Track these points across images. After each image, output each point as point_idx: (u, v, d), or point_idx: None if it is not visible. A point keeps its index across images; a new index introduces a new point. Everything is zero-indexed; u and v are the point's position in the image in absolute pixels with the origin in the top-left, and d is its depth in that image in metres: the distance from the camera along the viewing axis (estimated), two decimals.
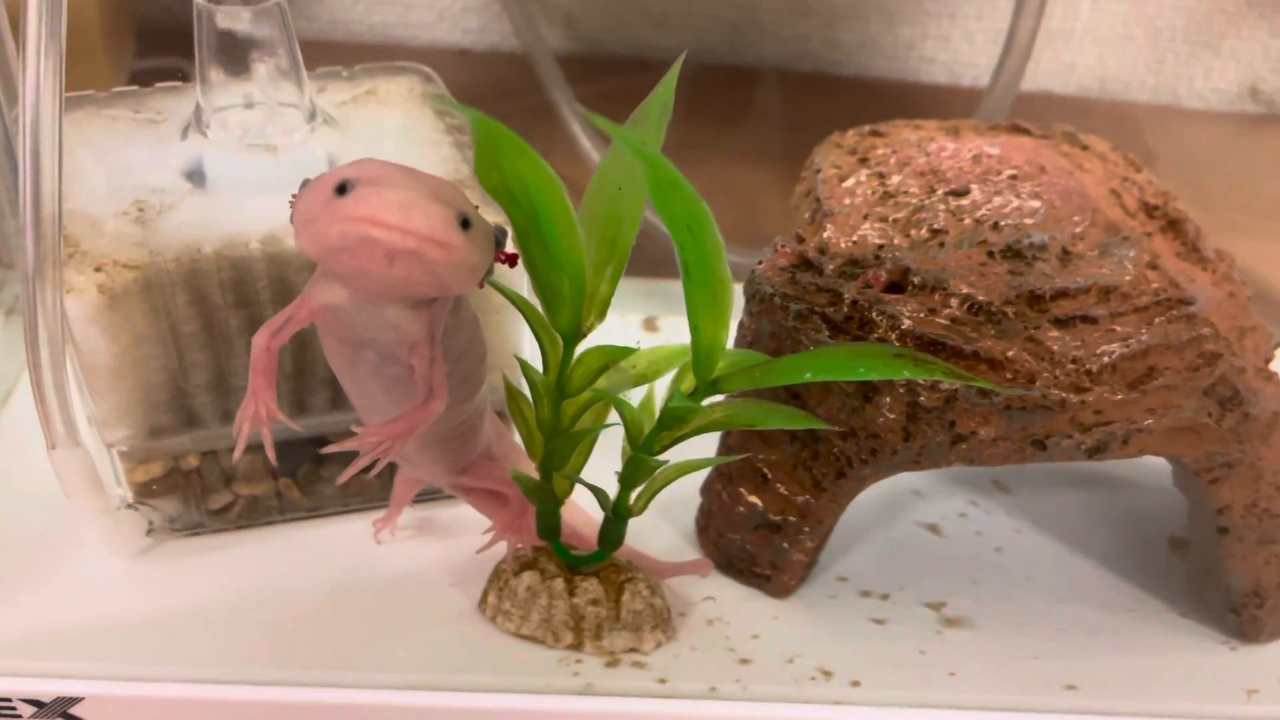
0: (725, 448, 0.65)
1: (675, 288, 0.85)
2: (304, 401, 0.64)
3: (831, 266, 0.60)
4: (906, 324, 0.57)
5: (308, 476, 0.67)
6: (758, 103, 1.13)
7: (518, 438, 0.62)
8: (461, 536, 0.66)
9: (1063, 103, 1.18)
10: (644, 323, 0.85)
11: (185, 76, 1.02)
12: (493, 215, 0.55)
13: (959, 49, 1.20)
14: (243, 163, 0.62)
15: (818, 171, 0.67)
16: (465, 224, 0.46)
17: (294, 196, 0.50)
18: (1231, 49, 1.16)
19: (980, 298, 0.58)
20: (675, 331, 0.85)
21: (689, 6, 1.16)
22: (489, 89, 1.10)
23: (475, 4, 1.16)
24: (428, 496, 0.68)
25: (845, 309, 0.58)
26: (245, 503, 0.66)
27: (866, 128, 0.70)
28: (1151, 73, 1.18)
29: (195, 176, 0.62)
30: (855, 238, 0.61)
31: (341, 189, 0.46)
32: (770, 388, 0.59)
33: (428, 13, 1.17)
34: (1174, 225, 0.65)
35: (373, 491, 0.67)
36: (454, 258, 0.46)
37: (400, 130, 0.68)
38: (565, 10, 1.15)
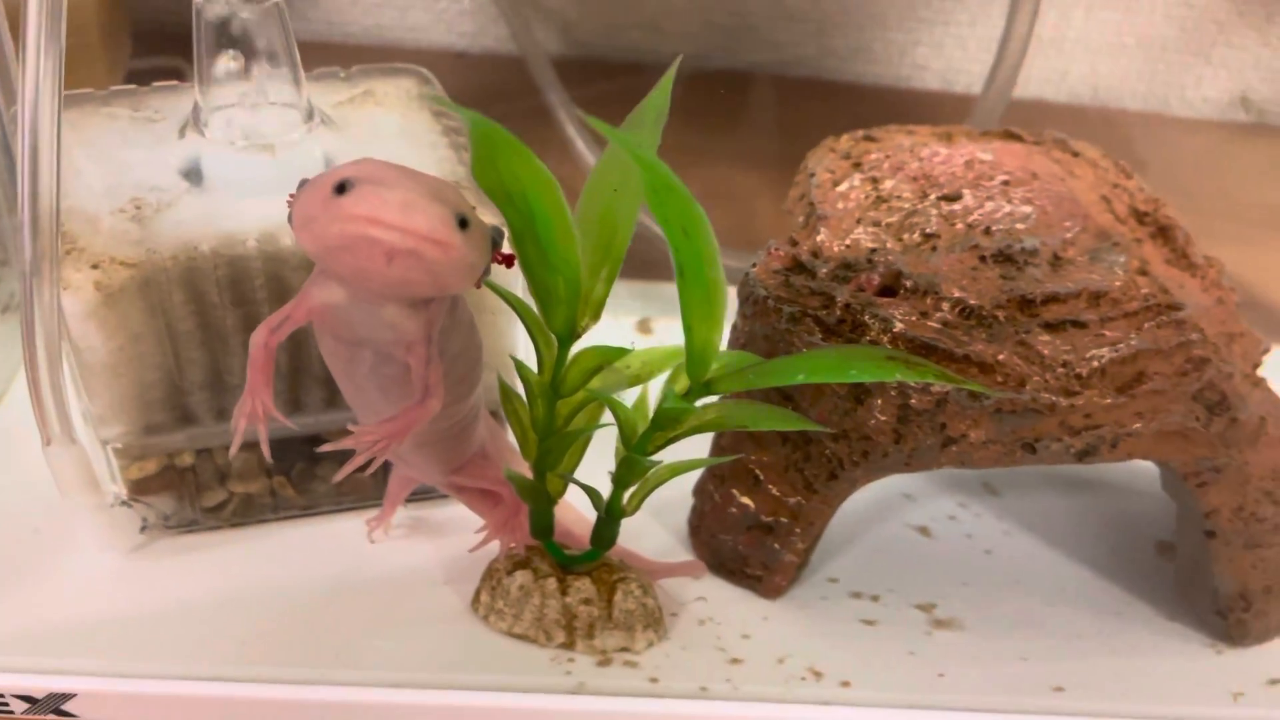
0: (717, 448, 0.65)
1: (670, 290, 0.85)
2: (299, 400, 0.65)
3: (825, 270, 0.61)
4: (899, 327, 0.57)
5: (302, 475, 0.67)
6: (752, 107, 1.13)
7: (511, 437, 0.62)
8: (455, 535, 0.66)
9: (1055, 110, 1.19)
10: (638, 324, 0.86)
11: (183, 76, 1.03)
12: (489, 216, 0.55)
13: (952, 55, 1.21)
14: (240, 162, 0.62)
15: (811, 176, 0.67)
16: (463, 224, 0.47)
17: (292, 196, 0.50)
18: (1222, 58, 1.17)
19: (971, 301, 0.58)
20: (670, 333, 0.84)
21: (683, 11, 1.16)
22: (485, 91, 1.10)
23: (472, 7, 1.16)
24: (421, 495, 0.68)
25: (838, 312, 0.59)
26: (239, 500, 0.66)
27: (860, 133, 0.71)
28: (1143, 81, 1.18)
29: (193, 175, 0.63)
30: (848, 241, 0.62)
31: (341, 188, 0.46)
32: (763, 389, 0.59)
33: (424, 15, 1.17)
34: (1164, 232, 0.65)
35: (366, 490, 0.67)
36: (452, 257, 0.46)
37: (397, 131, 0.68)
38: (560, 14, 1.15)
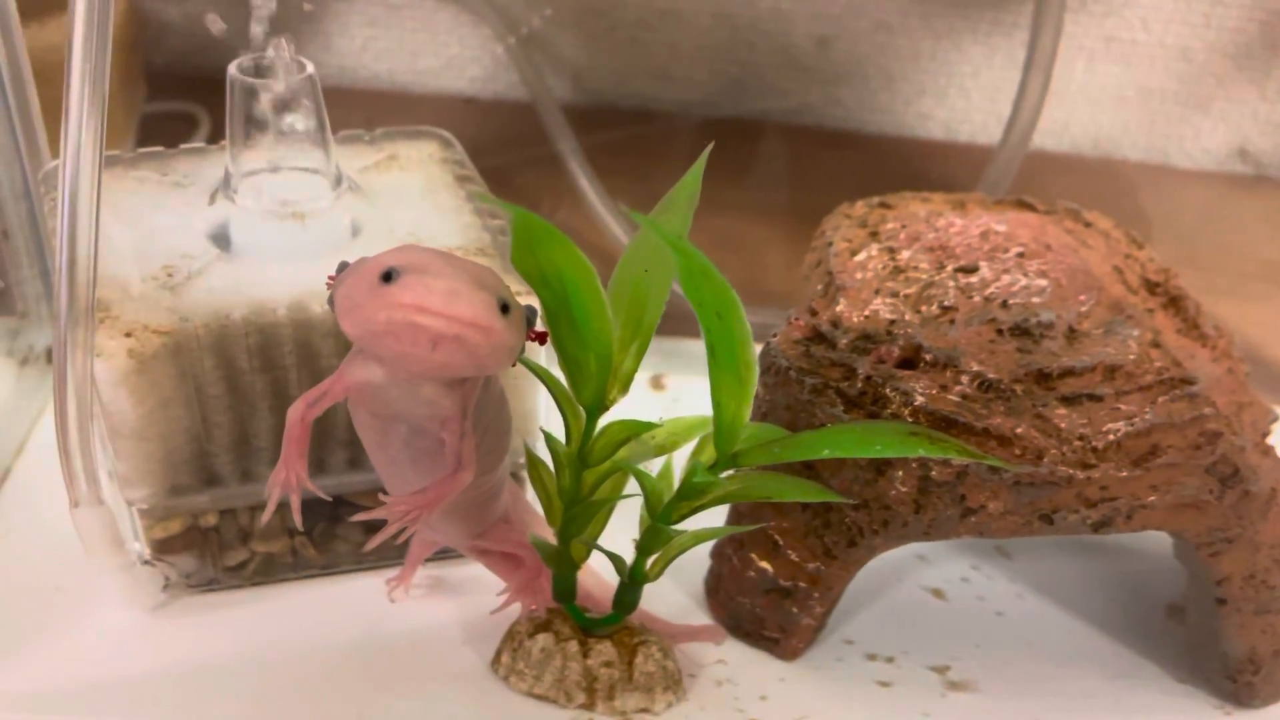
0: (737, 514, 0.66)
1: (682, 346, 0.88)
2: (323, 461, 0.65)
3: (845, 341, 0.62)
4: (919, 400, 0.58)
5: (323, 535, 0.68)
6: (761, 156, 1.14)
7: (533, 499, 0.62)
8: (475, 596, 0.67)
9: (1056, 161, 1.21)
10: (650, 380, 0.86)
11: (197, 123, 1.04)
12: (516, 285, 0.56)
13: (955, 105, 1.23)
14: (270, 229, 0.63)
15: (829, 245, 0.68)
16: (504, 308, 0.48)
17: (331, 278, 0.51)
18: (1221, 111, 1.19)
19: (990, 375, 0.59)
20: (682, 390, 0.86)
21: (691, 60, 1.18)
22: (495, 137, 1.11)
23: (481, 53, 1.17)
24: (441, 555, 0.68)
25: (859, 384, 0.60)
26: (261, 560, 0.67)
27: (875, 200, 0.71)
28: (1143, 132, 1.21)
29: (222, 242, 0.63)
30: (867, 312, 0.63)
31: (387, 276, 0.47)
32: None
33: (434, 60, 1.18)
34: (1175, 302, 0.67)
35: (387, 550, 0.68)
36: (494, 341, 0.47)
37: (420, 196, 0.69)
38: (570, 61, 1.16)
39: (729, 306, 0.49)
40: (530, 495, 0.66)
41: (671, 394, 0.86)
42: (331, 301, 0.50)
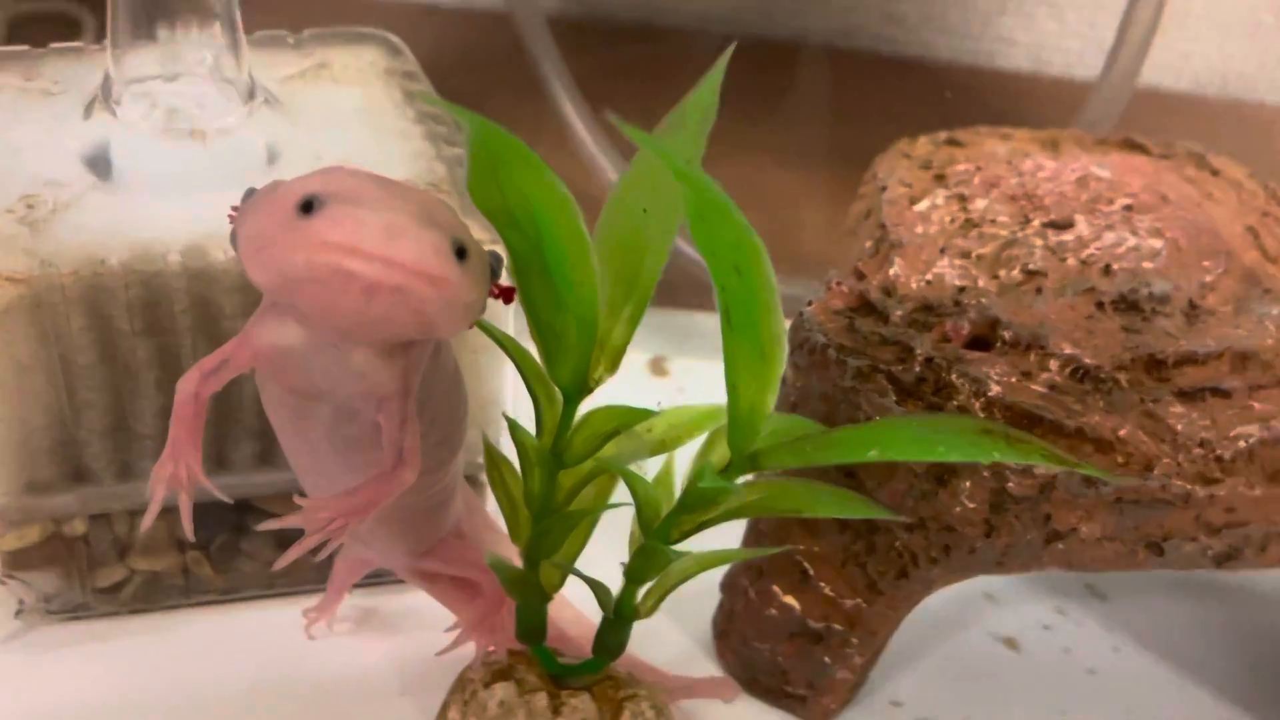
0: (755, 533, 0.65)
1: (689, 320, 0.86)
2: (225, 455, 0.64)
3: (900, 312, 0.61)
4: (994, 390, 0.57)
5: (223, 550, 0.67)
6: (797, 88, 1.13)
7: (494, 511, 0.62)
8: (416, 632, 0.66)
9: (1172, 101, 1.19)
10: (650, 364, 0.86)
11: (79, 30, 1.03)
12: (478, 230, 0.55)
13: (1045, 29, 1.22)
14: (161, 151, 0.62)
15: (882, 189, 0.67)
16: (460, 253, 0.47)
17: (235, 209, 0.50)
18: None
19: (1087, 360, 0.58)
20: (689, 376, 0.85)
21: None
22: (463, 56, 1.10)
23: None
24: (374, 579, 0.67)
25: (917, 368, 0.58)
26: (143, 580, 0.66)
27: (942, 135, 0.70)
28: None
29: (100, 166, 0.62)
30: (929, 277, 0.62)
31: (307, 206, 0.45)
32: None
33: None
34: None
35: (305, 572, 0.67)
36: (446, 295, 0.46)
37: (359, 116, 0.68)
38: None
39: (751, 258, 0.47)
40: (491, 504, 0.65)
41: (676, 381, 0.85)
42: (235, 239, 0.49)
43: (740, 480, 0.55)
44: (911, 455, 0.53)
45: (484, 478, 0.61)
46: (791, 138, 1.08)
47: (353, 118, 0.68)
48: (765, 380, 0.51)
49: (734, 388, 0.52)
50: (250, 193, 0.50)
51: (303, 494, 0.55)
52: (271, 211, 0.46)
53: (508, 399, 0.65)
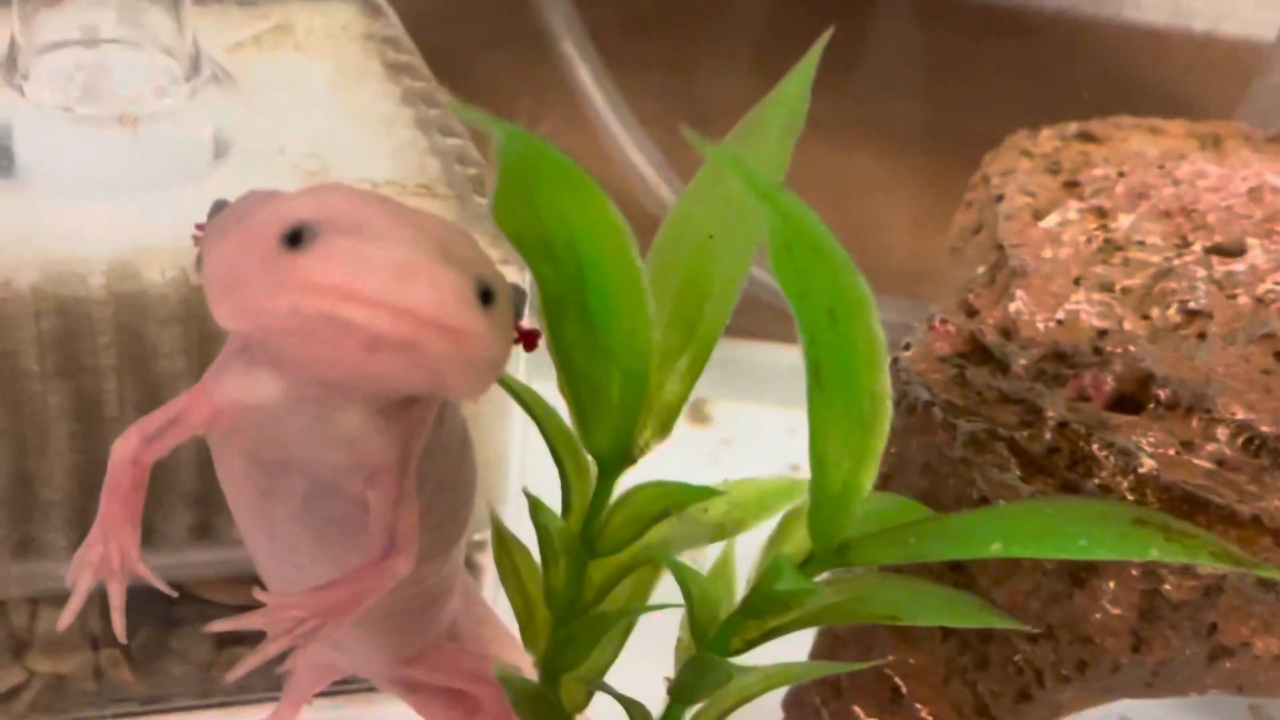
0: (832, 637, 0.62)
1: (736, 350, 0.82)
2: (153, 527, 0.62)
3: (1024, 361, 0.58)
4: (1147, 465, 0.54)
5: (147, 648, 0.65)
6: (878, 46, 1.09)
7: (503, 609, 0.59)
8: None
9: None
10: (689, 409, 0.80)
11: None
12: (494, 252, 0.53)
13: None
14: (79, 140, 0.60)
15: (998, 198, 0.64)
16: (485, 296, 0.44)
17: (200, 228, 0.48)
18: None
19: (1264, 429, 0.55)
20: (735, 423, 0.82)
21: None
22: (452, 11, 1.04)
23: None
24: (342, 687, 0.65)
25: (1048, 434, 0.56)
26: (44, 685, 0.64)
27: (1073, 128, 0.68)
28: None
29: (2, 158, 0.61)
30: (1062, 315, 0.60)
31: (295, 238, 0.42)
32: None
33: None
34: None
35: (251, 677, 0.62)
36: (468, 351, 0.43)
37: (330, 94, 0.66)
38: None
39: (852, 304, 0.44)
40: (488, 587, 0.63)
41: (720, 431, 0.81)
42: (201, 265, 0.47)
43: (820, 577, 0.51)
44: (1046, 552, 0.50)
45: (481, 559, 0.61)
46: (871, 110, 1.04)
47: (322, 97, 0.66)
48: (863, 454, 0.48)
49: (820, 462, 0.49)
50: (220, 205, 0.48)
51: (259, 583, 0.53)
52: (248, 241, 0.44)
53: (514, 462, 0.63)
